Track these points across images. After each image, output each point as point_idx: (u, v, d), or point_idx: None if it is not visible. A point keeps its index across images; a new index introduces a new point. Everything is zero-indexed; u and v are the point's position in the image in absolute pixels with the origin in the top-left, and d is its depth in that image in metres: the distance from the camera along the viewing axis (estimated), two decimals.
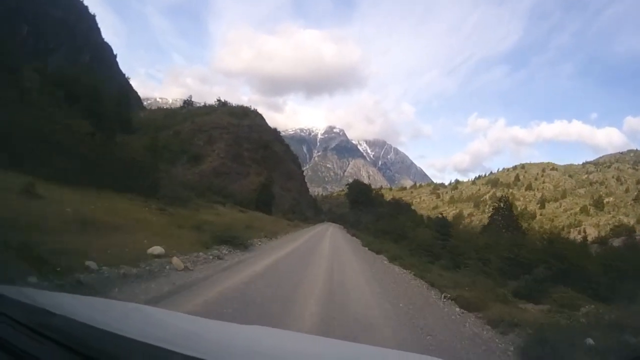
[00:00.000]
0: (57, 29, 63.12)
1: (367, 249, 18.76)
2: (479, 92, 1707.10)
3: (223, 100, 60.45)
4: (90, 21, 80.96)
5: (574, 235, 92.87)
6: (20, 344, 0.98)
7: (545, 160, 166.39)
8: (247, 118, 54.61)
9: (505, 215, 30.35)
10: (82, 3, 79.07)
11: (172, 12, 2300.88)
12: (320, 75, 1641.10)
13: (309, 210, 64.84)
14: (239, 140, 48.96)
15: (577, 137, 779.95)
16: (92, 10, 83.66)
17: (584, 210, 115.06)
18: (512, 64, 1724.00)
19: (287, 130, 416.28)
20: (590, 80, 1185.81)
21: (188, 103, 56.71)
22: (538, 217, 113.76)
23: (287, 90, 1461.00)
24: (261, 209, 34.57)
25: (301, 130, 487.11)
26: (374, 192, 63.61)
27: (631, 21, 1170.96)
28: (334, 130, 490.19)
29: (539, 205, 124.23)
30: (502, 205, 31.67)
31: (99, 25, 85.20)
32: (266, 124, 61.95)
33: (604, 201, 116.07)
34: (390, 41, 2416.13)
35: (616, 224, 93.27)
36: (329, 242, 19.31)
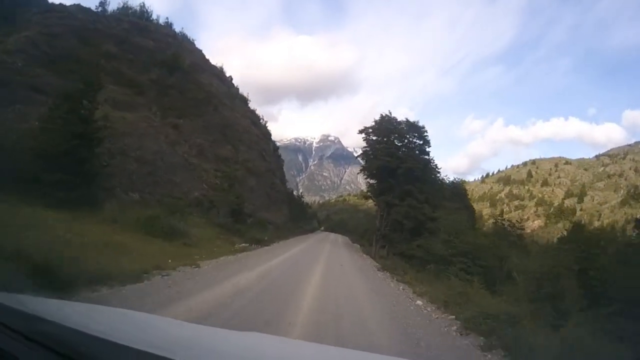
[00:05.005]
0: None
1: None
2: (475, 92, 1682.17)
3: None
4: None
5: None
6: (12, 350, 0.94)
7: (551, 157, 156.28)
8: (143, 29, 29.08)
9: None
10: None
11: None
12: (314, 82, 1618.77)
13: (274, 209, 32.29)
14: (85, 34, 22.35)
15: (575, 134, 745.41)
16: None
17: (624, 203, 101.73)
18: (507, 62, 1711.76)
19: (282, 140, 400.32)
20: (586, 75, 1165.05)
21: None
22: (578, 212, 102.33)
23: (280, 98, 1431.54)
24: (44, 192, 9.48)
25: (296, 139, 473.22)
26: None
27: (627, 12, 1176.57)
28: (329, 138, 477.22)
29: (577, 199, 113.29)
30: None
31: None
32: (195, 47, 37.13)
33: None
34: (383, 44, 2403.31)
35: None
36: None
